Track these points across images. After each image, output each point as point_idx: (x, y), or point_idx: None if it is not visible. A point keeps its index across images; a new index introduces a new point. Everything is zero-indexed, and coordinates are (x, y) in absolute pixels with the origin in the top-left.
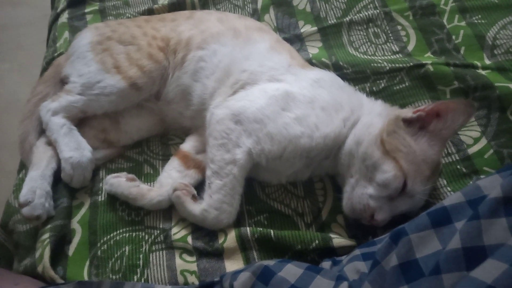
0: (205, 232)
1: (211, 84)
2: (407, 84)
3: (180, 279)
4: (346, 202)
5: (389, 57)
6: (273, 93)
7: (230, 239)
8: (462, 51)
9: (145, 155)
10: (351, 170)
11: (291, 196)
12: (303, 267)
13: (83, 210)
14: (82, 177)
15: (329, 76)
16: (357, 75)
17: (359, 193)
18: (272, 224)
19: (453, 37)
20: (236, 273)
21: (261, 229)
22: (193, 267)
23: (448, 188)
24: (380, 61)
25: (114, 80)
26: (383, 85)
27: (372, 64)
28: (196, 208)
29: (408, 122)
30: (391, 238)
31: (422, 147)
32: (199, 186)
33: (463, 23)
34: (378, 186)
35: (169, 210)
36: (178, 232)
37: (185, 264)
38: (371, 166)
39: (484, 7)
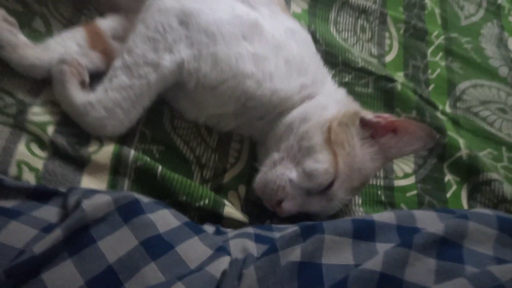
0: (75, 130)
1: None
2: (369, 90)
3: (13, 170)
4: (260, 177)
5: (365, 57)
6: (242, 14)
7: (103, 153)
8: (430, 88)
9: (45, 8)
10: (280, 145)
11: (201, 142)
12: (182, 221)
13: None
14: None
15: (306, 35)
16: (327, 57)
17: (279, 173)
18: (163, 161)
19: (429, 71)
20: (91, 192)
21: (147, 158)
22: (38, 164)
23: (361, 208)
24: (356, 55)
25: None
26: (347, 79)
27: (346, 54)
28: (80, 96)
29: (364, 123)
30: (302, 230)
31: (365, 155)
32: (95, 79)
33: (443, 63)
34: (304, 173)
35: (41, 83)
36: (39, 114)
37: (29, 156)
38: (305, 149)
39: (466, 60)
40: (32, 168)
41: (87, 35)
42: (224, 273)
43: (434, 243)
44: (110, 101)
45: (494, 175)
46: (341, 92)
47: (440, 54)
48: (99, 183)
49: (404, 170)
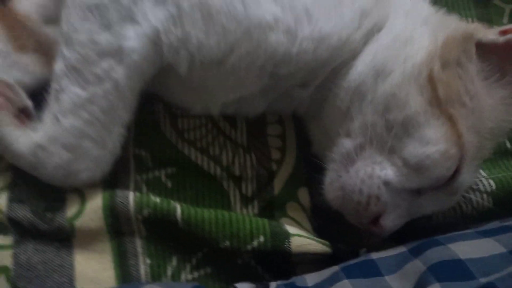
0: (38, 189)
1: None
2: None
3: None
4: (331, 184)
5: None
6: None
7: (90, 212)
8: None
9: None
10: (351, 123)
11: (224, 142)
12: None
13: None
14: None
15: None
16: None
17: (362, 174)
18: (180, 191)
19: None
20: None
21: (157, 199)
22: (5, 259)
23: (483, 173)
24: None
25: None
26: None
27: None
28: (24, 138)
29: (484, 51)
30: None
31: (495, 103)
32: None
33: None
34: (406, 167)
35: None
36: None
37: None
38: (400, 125)
39: None
40: None
41: (4, 32)
42: None
43: None
44: (68, 134)
45: None
46: (426, 4)
47: None
48: (101, 258)
49: None
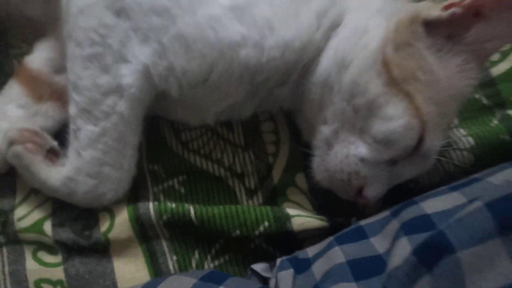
0: (75, 214)
1: None
2: None
3: None
4: (318, 168)
5: None
6: None
7: (120, 225)
8: None
9: None
10: (325, 112)
11: (224, 146)
12: None
13: None
14: None
15: None
16: None
17: (341, 154)
18: (192, 194)
19: None
20: None
21: (173, 205)
22: (58, 273)
23: (462, 131)
24: None
25: None
26: None
27: None
28: (55, 174)
29: (432, 27)
30: (417, 256)
31: (451, 73)
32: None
33: None
34: (376, 143)
35: (9, 177)
36: (26, 216)
37: (43, 269)
38: (364, 108)
39: None
40: (54, 283)
41: (24, 88)
42: None
43: None
44: (90, 164)
45: None
46: None
47: None
48: (135, 261)
49: None
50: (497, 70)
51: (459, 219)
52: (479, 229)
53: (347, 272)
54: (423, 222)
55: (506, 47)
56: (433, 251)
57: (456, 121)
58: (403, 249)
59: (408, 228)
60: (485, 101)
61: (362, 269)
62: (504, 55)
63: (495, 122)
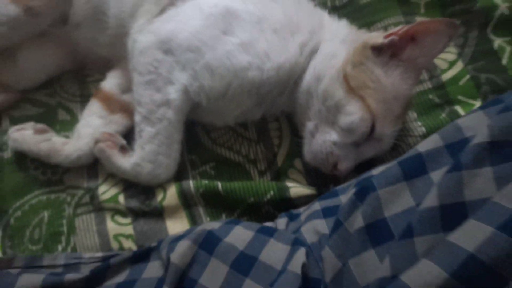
0: (139, 189)
1: None
2: None
3: (115, 244)
4: (306, 150)
5: None
6: (211, 11)
7: (170, 196)
8: None
9: (58, 97)
10: (309, 112)
11: (242, 140)
12: (254, 229)
13: None
14: None
15: None
16: None
17: (320, 141)
18: (220, 175)
19: None
20: (174, 242)
21: (206, 182)
22: (129, 230)
23: (418, 123)
24: None
25: (1, 5)
26: None
27: None
28: (126, 162)
29: (378, 50)
30: (356, 195)
31: (393, 80)
32: (130, 133)
33: None
34: (342, 131)
35: (94, 165)
36: (107, 191)
37: (119, 227)
38: (333, 108)
39: None
40: (126, 236)
41: (101, 104)
42: (304, 265)
43: (484, 152)
44: (150, 154)
45: None
46: (344, 26)
47: None
48: (181, 221)
49: (447, 59)
50: (446, 76)
51: (382, 172)
52: (392, 176)
53: (320, 214)
54: (367, 180)
55: (453, 58)
56: (364, 191)
57: (415, 115)
58: (349, 193)
59: (357, 184)
60: (436, 100)
61: (329, 212)
62: (451, 64)
63: (443, 115)
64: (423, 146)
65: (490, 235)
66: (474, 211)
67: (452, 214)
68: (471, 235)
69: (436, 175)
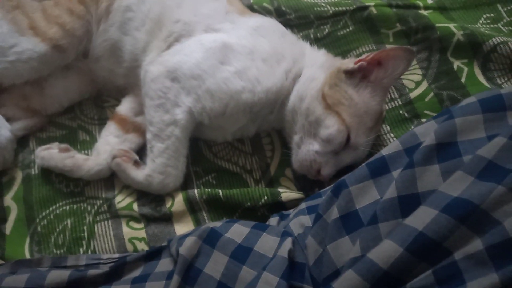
0: (151, 198)
1: (142, 37)
2: (351, 28)
3: (129, 247)
4: (293, 160)
5: (332, 0)
6: (210, 45)
7: (178, 203)
8: None
9: (78, 121)
10: (295, 127)
11: (239, 153)
12: (250, 226)
13: (15, 186)
14: (2, 158)
15: (270, 23)
16: (300, 21)
17: (305, 150)
18: (220, 184)
19: None
20: (182, 238)
21: (209, 190)
22: (142, 233)
23: (391, 134)
24: (323, 4)
25: (32, 43)
26: (327, 30)
27: (315, 8)
28: (139, 174)
29: (349, 73)
30: (332, 192)
31: (364, 98)
32: (142, 150)
33: None
34: (323, 141)
35: (111, 178)
36: (122, 200)
37: (133, 231)
38: (314, 122)
39: None
40: (140, 239)
41: (117, 125)
42: (290, 250)
43: (432, 152)
44: (160, 166)
45: (495, 40)
46: (322, 54)
47: None
48: (187, 225)
49: (414, 80)
50: (413, 94)
51: (352, 172)
52: (360, 175)
53: (305, 212)
54: (341, 179)
55: (418, 78)
56: (338, 188)
57: (388, 128)
58: (327, 191)
59: (334, 187)
60: (406, 115)
61: (313, 209)
62: (417, 84)
63: (412, 127)
64: (386, 150)
65: (435, 216)
66: (425, 200)
67: (408, 202)
68: (421, 218)
69: (397, 173)
